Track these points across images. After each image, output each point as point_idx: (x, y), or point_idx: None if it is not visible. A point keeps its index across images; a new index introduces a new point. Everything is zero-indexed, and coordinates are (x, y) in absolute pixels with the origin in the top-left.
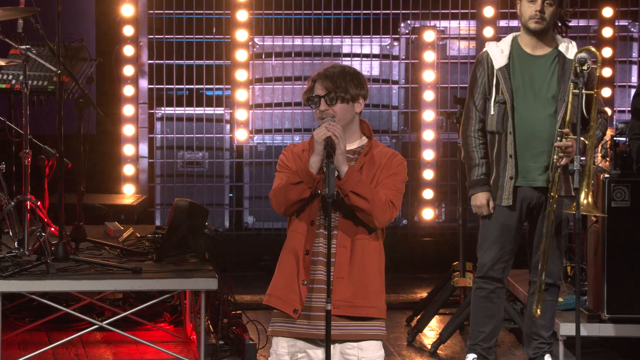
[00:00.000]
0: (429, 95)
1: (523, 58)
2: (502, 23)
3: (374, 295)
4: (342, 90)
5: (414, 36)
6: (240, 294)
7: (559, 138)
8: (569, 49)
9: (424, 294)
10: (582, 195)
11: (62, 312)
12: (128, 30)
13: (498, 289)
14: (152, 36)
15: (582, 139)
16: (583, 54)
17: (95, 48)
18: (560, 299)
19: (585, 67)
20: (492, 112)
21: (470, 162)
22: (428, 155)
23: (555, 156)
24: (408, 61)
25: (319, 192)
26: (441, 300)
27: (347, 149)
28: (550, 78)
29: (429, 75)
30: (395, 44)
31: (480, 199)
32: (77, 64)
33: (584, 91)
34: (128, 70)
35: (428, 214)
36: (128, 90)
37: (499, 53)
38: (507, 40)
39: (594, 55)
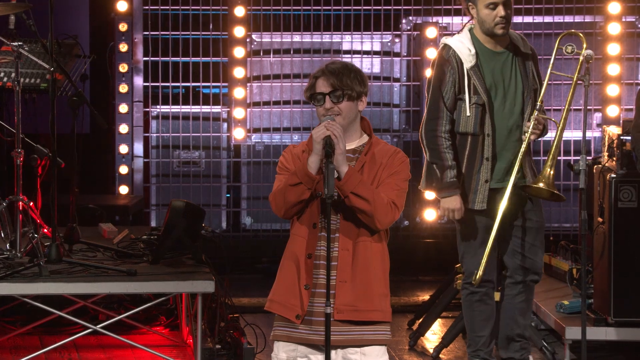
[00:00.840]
0: None
1: (487, 55)
2: None
3: (378, 299)
4: (348, 87)
5: (415, 33)
6: (237, 296)
7: (536, 112)
8: (522, 42)
9: (426, 297)
10: (547, 170)
11: (55, 316)
12: (123, 27)
13: (490, 290)
14: (148, 32)
15: (548, 117)
16: (589, 51)
17: (89, 45)
18: (565, 302)
19: (569, 51)
20: (467, 114)
21: (442, 164)
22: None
23: (529, 130)
24: (410, 58)
25: (320, 193)
26: (444, 303)
27: (348, 147)
28: (515, 74)
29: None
30: (397, 40)
31: (453, 202)
32: (71, 61)
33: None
34: (123, 68)
35: (430, 214)
36: (123, 88)
37: (466, 51)
38: (467, 37)
39: (579, 40)
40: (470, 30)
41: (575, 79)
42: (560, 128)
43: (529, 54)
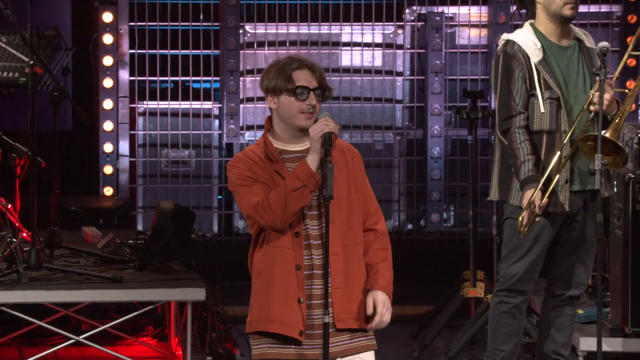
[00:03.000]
0: (436, 88)
1: (553, 50)
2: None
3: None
4: (328, 88)
5: (420, 23)
6: (230, 305)
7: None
8: (585, 36)
9: (431, 306)
10: (617, 120)
11: (35, 326)
12: (107, 17)
13: (522, 303)
14: (134, 23)
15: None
16: (605, 43)
17: (71, 36)
18: (580, 311)
19: (605, 53)
20: (542, 110)
21: (516, 161)
22: (435, 153)
23: (593, 104)
24: (413, 51)
25: (322, 199)
26: (450, 312)
27: (306, 147)
28: (582, 69)
29: (436, 66)
30: (400, 32)
31: (531, 194)
32: (51, 54)
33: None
34: (107, 61)
35: (435, 217)
36: (107, 83)
37: (532, 46)
38: (529, 30)
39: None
40: (532, 24)
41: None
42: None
43: (594, 49)
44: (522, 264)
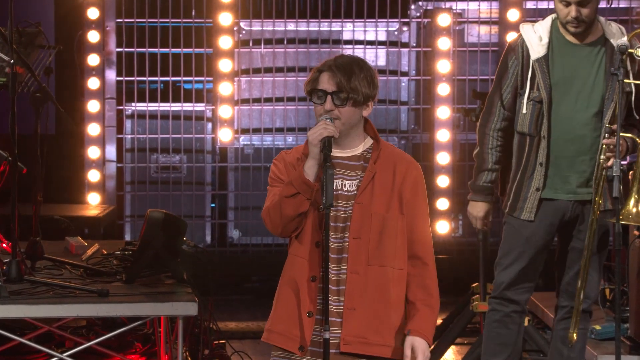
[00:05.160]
0: (443, 89)
1: (564, 48)
2: (529, 4)
3: (391, 332)
4: (355, 91)
5: (426, 20)
6: (223, 320)
7: (606, 135)
8: (618, 36)
9: (439, 321)
10: (632, 202)
11: (16, 342)
12: (93, 13)
13: (514, 312)
14: (121, 20)
15: (631, 135)
16: (624, 40)
17: (55, 33)
18: (597, 327)
19: (639, 54)
20: (524, 111)
21: (482, 164)
22: (443, 158)
23: (602, 156)
24: (419, 49)
25: (322, 207)
26: (458, 327)
27: (351, 154)
28: (596, 72)
29: (443, 66)
30: (405, 29)
31: (477, 209)
32: (33, 52)
33: (632, 82)
34: (93, 60)
35: (443, 227)
36: (93, 83)
37: (536, 41)
38: (546, 25)
39: None
40: (555, 18)
41: None
42: None
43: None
44: (511, 271)
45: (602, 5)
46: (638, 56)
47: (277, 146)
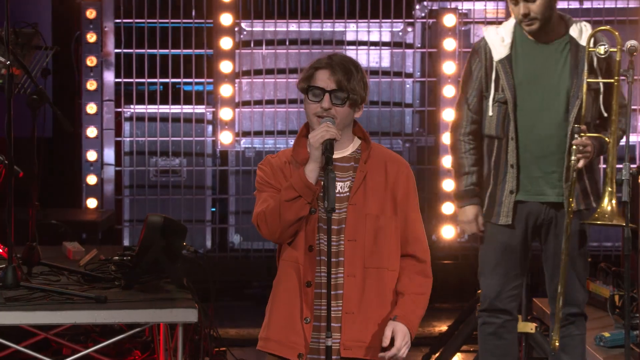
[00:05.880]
0: (449, 91)
1: (528, 47)
2: None
3: None
4: (354, 91)
5: (431, 20)
6: (224, 327)
7: (576, 136)
8: (583, 33)
9: (444, 328)
10: (606, 202)
11: (12, 350)
12: (90, 13)
13: (507, 322)
14: (120, 20)
15: (599, 135)
16: (634, 42)
17: (52, 34)
18: (606, 334)
19: (602, 52)
20: (490, 113)
21: (459, 170)
22: (448, 162)
23: (573, 157)
24: (424, 50)
25: (314, 210)
26: (464, 334)
27: (342, 155)
28: (561, 70)
29: (449, 67)
30: (409, 29)
31: (467, 213)
32: (30, 54)
33: (601, 80)
34: (90, 61)
35: (448, 232)
36: (91, 85)
37: (498, 42)
38: (509, 25)
39: (612, 37)
40: None
41: (616, 83)
42: (611, 145)
43: (586, 48)
44: (495, 281)
45: (599, 5)
46: (600, 54)
47: (278, 149)
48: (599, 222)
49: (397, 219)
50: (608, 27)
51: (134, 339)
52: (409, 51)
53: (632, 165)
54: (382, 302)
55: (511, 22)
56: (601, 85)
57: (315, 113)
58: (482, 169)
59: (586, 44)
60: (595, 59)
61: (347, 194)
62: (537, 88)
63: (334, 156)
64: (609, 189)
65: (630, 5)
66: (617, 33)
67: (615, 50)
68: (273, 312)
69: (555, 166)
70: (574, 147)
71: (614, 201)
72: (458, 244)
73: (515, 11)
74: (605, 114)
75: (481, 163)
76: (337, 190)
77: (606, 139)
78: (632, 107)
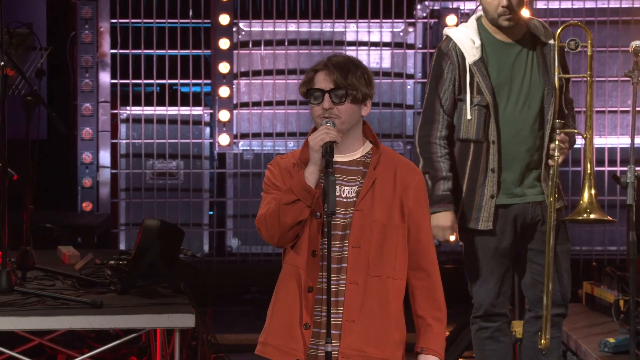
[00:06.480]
0: None
1: (496, 48)
2: (540, 4)
3: (392, 345)
4: (353, 87)
5: (432, 20)
6: (222, 332)
7: (557, 131)
8: (543, 30)
9: (445, 334)
10: (586, 197)
11: (5, 356)
12: (86, 13)
13: (503, 325)
14: (116, 20)
15: (577, 131)
16: (639, 42)
17: (46, 35)
18: (611, 340)
19: (573, 47)
20: (468, 117)
21: (435, 174)
22: None
23: (556, 153)
24: (426, 51)
25: (319, 214)
26: (465, 341)
27: (350, 159)
28: (530, 69)
29: None
30: (410, 30)
31: (443, 219)
32: (24, 54)
33: (574, 76)
34: (86, 62)
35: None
36: (86, 86)
37: (469, 43)
38: (473, 27)
39: (583, 33)
40: (479, 19)
41: (589, 78)
42: (588, 141)
43: (552, 44)
44: (487, 287)
45: (603, 5)
46: (572, 49)
47: (277, 152)
48: (579, 218)
49: (404, 226)
50: (577, 22)
51: (131, 345)
52: (410, 52)
53: (636, 168)
54: (384, 311)
55: (473, 22)
56: (563, 81)
57: (319, 115)
58: (455, 175)
59: (556, 40)
60: (558, 56)
61: (354, 199)
62: (512, 89)
63: (341, 159)
64: (588, 184)
65: (635, 5)
66: (586, 28)
67: (585, 45)
68: (273, 317)
69: (536, 165)
70: (556, 143)
71: (593, 195)
72: (460, 249)
73: (493, 5)
74: (566, 111)
75: (455, 168)
76: (344, 195)
77: (583, 135)
78: (638, 108)
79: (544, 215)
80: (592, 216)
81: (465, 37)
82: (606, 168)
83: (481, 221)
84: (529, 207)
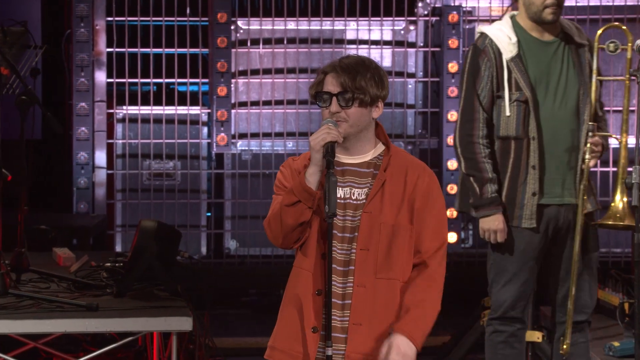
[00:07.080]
0: (453, 92)
1: (533, 45)
2: None
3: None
4: (361, 90)
5: (434, 18)
6: (220, 336)
7: (590, 134)
8: (576, 31)
9: (447, 337)
10: (617, 201)
11: None
12: (81, 11)
13: (519, 330)
14: (112, 18)
15: (609, 134)
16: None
17: (41, 33)
18: (616, 344)
19: (612, 49)
20: (507, 113)
21: (481, 176)
22: (452, 164)
23: (587, 155)
24: (427, 49)
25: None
26: (468, 344)
27: (361, 161)
28: (566, 68)
29: (453, 67)
30: (412, 28)
31: (495, 222)
32: (19, 53)
33: (611, 78)
34: (81, 60)
35: (451, 237)
36: (81, 85)
37: (506, 40)
38: (507, 24)
39: (623, 34)
40: (512, 17)
41: (627, 81)
42: (623, 145)
43: (585, 45)
44: (511, 288)
45: (607, 2)
46: (610, 51)
47: (276, 152)
48: (610, 223)
49: (413, 229)
50: (618, 24)
51: (127, 348)
52: (412, 50)
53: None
54: (391, 314)
55: (507, 20)
56: (599, 83)
57: (327, 118)
58: (499, 174)
59: (596, 41)
60: (595, 57)
61: (364, 201)
62: (549, 86)
63: (352, 161)
64: (620, 189)
65: None
66: (626, 29)
67: (625, 47)
68: (281, 320)
69: (571, 166)
70: (588, 146)
71: (625, 202)
72: (462, 250)
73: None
74: (601, 113)
75: (498, 167)
76: (354, 197)
77: (615, 137)
78: None
79: (575, 219)
80: (624, 222)
81: (501, 33)
82: (611, 169)
83: (524, 219)
84: (562, 209)
